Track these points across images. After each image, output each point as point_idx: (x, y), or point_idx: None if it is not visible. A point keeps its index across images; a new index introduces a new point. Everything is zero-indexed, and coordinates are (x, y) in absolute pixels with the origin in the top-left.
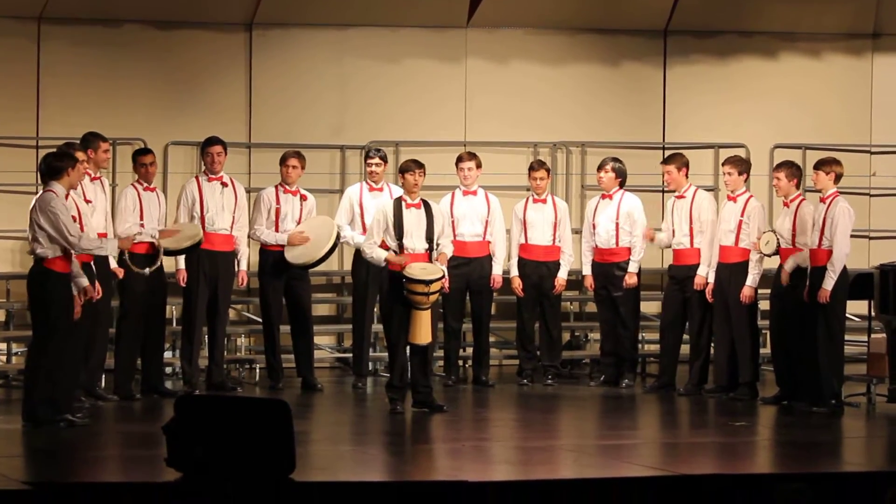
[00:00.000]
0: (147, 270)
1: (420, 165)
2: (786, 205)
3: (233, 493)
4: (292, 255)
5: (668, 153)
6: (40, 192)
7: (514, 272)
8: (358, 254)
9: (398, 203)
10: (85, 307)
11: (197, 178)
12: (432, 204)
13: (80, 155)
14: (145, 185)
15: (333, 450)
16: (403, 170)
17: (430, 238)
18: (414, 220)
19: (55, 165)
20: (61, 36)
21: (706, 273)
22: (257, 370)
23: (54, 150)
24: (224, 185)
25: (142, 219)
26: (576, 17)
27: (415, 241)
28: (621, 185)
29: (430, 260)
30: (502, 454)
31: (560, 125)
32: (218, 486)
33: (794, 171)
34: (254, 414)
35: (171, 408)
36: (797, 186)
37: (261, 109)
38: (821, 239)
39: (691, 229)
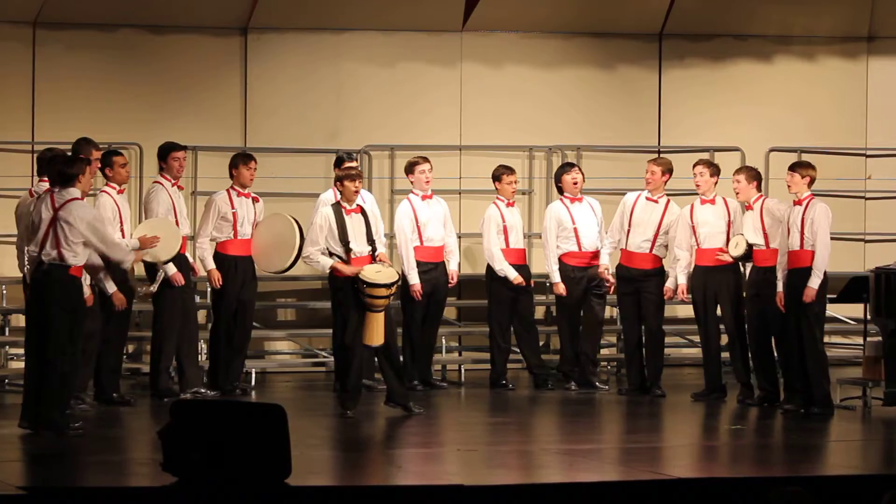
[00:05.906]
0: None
1: (360, 175)
2: (749, 208)
3: (228, 497)
4: (266, 265)
5: (663, 157)
6: (68, 198)
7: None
8: None
9: (338, 209)
10: None
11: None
12: (364, 206)
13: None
14: (118, 188)
15: (330, 454)
16: (346, 177)
17: (371, 240)
18: (356, 225)
19: (67, 174)
20: (56, 40)
21: (675, 279)
22: (253, 374)
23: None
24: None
25: (121, 225)
26: (571, 20)
27: (359, 244)
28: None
29: (372, 261)
30: (497, 459)
31: (555, 129)
32: (214, 490)
33: (753, 173)
34: (249, 418)
35: (167, 412)
36: (758, 188)
37: (256, 114)
38: (802, 240)
39: (655, 235)
